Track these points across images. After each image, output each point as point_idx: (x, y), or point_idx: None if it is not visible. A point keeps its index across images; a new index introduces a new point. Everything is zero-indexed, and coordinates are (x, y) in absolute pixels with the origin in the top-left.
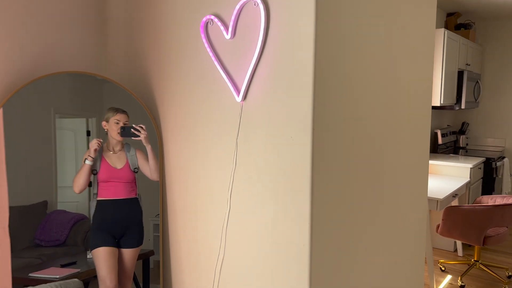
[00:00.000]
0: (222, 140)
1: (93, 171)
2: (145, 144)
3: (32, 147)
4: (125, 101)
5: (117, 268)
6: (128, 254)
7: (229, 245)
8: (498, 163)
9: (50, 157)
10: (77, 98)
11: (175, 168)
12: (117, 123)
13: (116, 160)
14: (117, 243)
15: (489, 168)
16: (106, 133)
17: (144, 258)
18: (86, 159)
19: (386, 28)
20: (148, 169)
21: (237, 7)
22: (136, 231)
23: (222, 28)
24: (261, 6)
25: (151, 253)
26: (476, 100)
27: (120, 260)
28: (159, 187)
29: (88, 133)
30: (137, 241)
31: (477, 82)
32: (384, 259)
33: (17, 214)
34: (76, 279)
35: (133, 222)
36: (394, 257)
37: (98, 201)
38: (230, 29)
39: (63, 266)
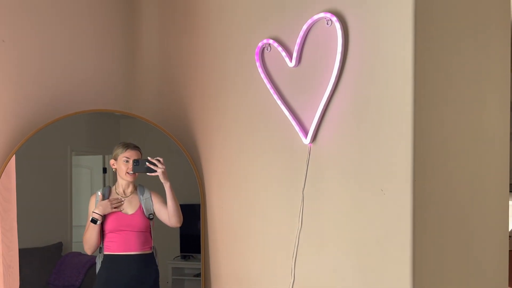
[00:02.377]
0: (284, 192)
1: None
2: (162, 181)
3: (48, 186)
4: (152, 140)
5: None
6: None
7: None
8: None
9: (65, 195)
10: (94, 135)
11: (221, 226)
12: (127, 162)
13: (127, 204)
14: None
15: None
16: (115, 173)
17: None
18: (93, 217)
19: (477, 62)
20: (166, 213)
21: (304, 27)
22: None
23: (283, 54)
24: (337, 25)
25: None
26: None
27: None
28: (201, 250)
29: (105, 170)
30: None
31: None
32: None
33: (31, 256)
34: None
35: (147, 284)
36: None
37: (105, 255)
38: (294, 55)
39: None
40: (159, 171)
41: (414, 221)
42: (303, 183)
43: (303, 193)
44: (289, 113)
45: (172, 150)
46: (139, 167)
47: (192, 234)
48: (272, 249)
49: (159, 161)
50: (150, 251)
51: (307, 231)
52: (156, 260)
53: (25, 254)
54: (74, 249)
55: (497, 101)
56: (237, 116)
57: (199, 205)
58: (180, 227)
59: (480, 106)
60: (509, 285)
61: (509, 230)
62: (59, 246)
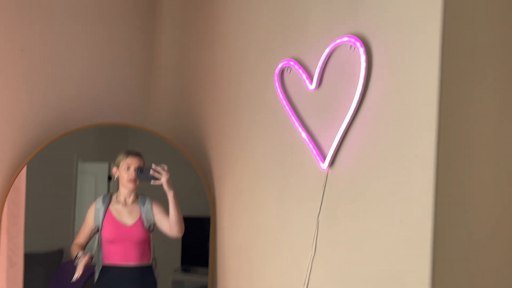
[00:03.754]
0: (298, 217)
1: (95, 227)
2: (166, 190)
3: (54, 194)
4: (162, 154)
5: None
6: None
7: None
8: None
9: (69, 202)
10: (102, 144)
11: (231, 249)
12: (128, 169)
13: (126, 214)
14: None
15: None
16: (117, 182)
17: None
18: (77, 258)
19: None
20: (168, 224)
21: (326, 50)
22: None
23: (304, 76)
24: (361, 50)
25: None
26: None
27: None
28: (209, 272)
29: (110, 178)
30: None
31: None
32: None
33: (31, 262)
34: None
35: None
36: None
37: (103, 266)
38: (315, 77)
39: None
40: (163, 179)
41: (434, 257)
42: (318, 209)
43: (318, 219)
44: (307, 136)
45: (182, 163)
46: (143, 174)
47: (195, 247)
48: (283, 276)
49: (163, 169)
50: (149, 263)
51: (320, 259)
52: (155, 273)
53: (26, 258)
54: None
55: None
56: (252, 136)
57: (204, 219)
58: (183, 239)
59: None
60: None
61: None
62: (60, 253)
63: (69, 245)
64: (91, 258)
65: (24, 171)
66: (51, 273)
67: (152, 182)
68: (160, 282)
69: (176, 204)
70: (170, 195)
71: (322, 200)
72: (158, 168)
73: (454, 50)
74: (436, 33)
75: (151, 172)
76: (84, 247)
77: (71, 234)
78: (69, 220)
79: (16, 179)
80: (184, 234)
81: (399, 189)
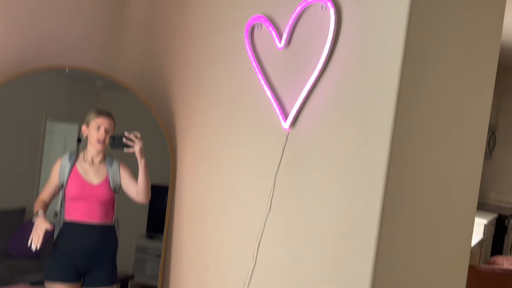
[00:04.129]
0: (256, 174)
1: (59, 184)
2: (138, 158)
3: (18, 147)
4: (130, 111)
5: None
6: None
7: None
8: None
9: (35, 160)
10: (71, 101)
11: (188, 203)
12: (98, 129)
13: (93, 174)
14: (81, 278)
15: (501, 226)
16: (86, 140)
17: (122, 282)
18: (34, 215)
19: (463, 54)
20: (134, 189)
21: (298, 9)
22: (107, 267)
23: (274, 34)
24: (331, 11)
25: (130, 277)
26: (490, 152)
27: None
28: (165, 226)
29: (79, 140)
30: (108, 278)
31: (493, 133)
32: None
33: None
34: None
35: (105, 255)
36: None
37: (65, 222)
38: (284, 36)
39: (32, 284)
40: (137, 148)
41: (382, 217)
42: (277, 167)
43: (275, 178)
44: (272, 95)
45: (150, 125)
46: (116, 142)
47: (160, 214)
48: (237, 231)
49: (136, 137)
50: (111, 223)
51: (274, 217)
52: (117, 233)
53: None
54: None
55: (478, 114)
56: (219, 93)
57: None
58: (149, 207)
59: (460, 114)
60: None
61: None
62: (22, 211)
63: (32, 204)
64: (52, 228)
65: None
66: (12, 231)
67: (125, 150)
68: (125, 247)
69: (146, 173)
70: (141, 163)
71: (281, 159)
72: (131, 136)
73: (420, 19)
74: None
75: (124, 140)
76: (47, 204)
77: (35, 193)
78: (33, 179)
79: None
80: (150, 201)
81: (356, 152)
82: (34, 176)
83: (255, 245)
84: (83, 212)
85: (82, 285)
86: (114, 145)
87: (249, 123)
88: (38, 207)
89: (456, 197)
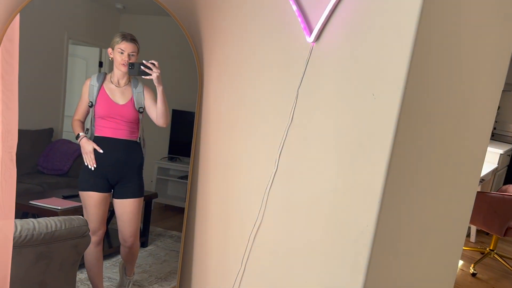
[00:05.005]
0: (279, 88)
1: (89, 103)
2: (156, 85)
3: (42, 69)
4: (152, 32)
5: (106, 215)
6: (128, 206)
7: (269, 212)
8: None
9: (59, 83)
10: (92, 25)
11: (214, 115)
12: (122, 53)
13: (119, 95)
14: (111, 189)
15: None
16: (112, 62)
17: (146, 201)
18: (76, 137)
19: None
20: (155, 111)
21: None
22: (134, 181)
23: None
24: None
25: (154, 195)
26: None
27: (121, 216)
28: (193, 136)
29: (101, 64)
30: (136, 191)
31: None
32: (434, 239)
33: (22, 138)
34: (80, 216)
35: (132, 168)
36: (441, 238)
37: (95, 137)
38: None
39: (65, 197)
40: (154, 75)
41: (397, 127)
42: (300, 80)
43: (298, 91)
44: (296, 7)
45: (179, 48)
46: (134, 70)
47: (182, 138)
48: (262, 140)
49: (154, 64)
50: (137, 140)
51: (295, 127)
52: (143, 149)
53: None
54: (65, 137)
55: (500, 44)
56: (243, 9)
57: (193, 113)
58: (171, 131)
59: (484, 38)
60: (471, 222)
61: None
62: (50, 131)
63: (58, 125)
64: (93, 144)
65: (17, 20)
66: (41, 150)
67: (143, 77)
68: (147, 168)
69: (164, 98)
70: (159, 90)
71: (304, 73)
72: (149, 64)
73: None
74: None
75: (142, 67)
76: (83, 122)
77: (61, 114)
78: (59, 101)
79: (9, 28)
80: (172, 126)
81: (376, 65)
82: (60, 98)
83: (277, 153)
84: (111, 129)
85: (112, 197)
86: (132, 72)
87: (273, 36)
88: (76, 128)
89: (471, 126)
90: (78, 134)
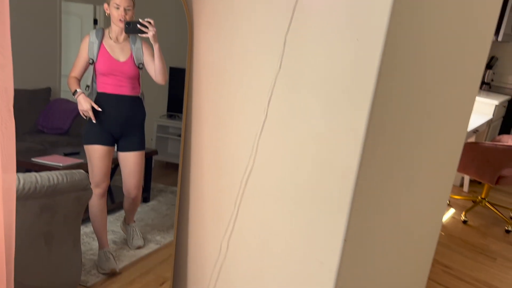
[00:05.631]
0: (266, 36)
1: (89, 60)
2: (152, 42)
3: (35, 28)
4: None
5: (110, 168)
6: (132, 158)
7: (259, 158)
8: None
9: (54, 42)
10: None
11: (205, 69)
12: (117, 8)
13: (119, 51)
14: (115, 143)
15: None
16: (109, 18)
17: (146, 158)
18: (73, 93)
19: None
20: (153, 68)
21: None
22: (137, 134)
23: None
24: None
25: (154, 152)
26: None
27: (125, 168)
28: (185, 90)
29: (95, 22)
30: (138, 144)
31: None
32: (420, 184)
33: (20, 97)
34: (81, 170)
35: (135, 123)
36: (427, 190)
37: (98, 93)
38: None
39: (66, 155)
40: (150, 34)
41: (380, 72)
42: (287, 28)
43: (285, 37)
44: None
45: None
46: (130, 28)
47: (180, 96)
48: (251, 88)
49: (150, 23)
50: (138, 95)
51: (284, 75)
52: (144, 104)
53: (14, 95)
54: (63, 96)
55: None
56: None
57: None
58: (169, 89)
59: None
60: (463, 172)
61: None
62: (47, 91)
63: (56, 84)
64: (90, 101)
65: None
66: (40, 109)
67: (140, 35)
68: (147, 125)
69: (161, 56)
70: (155, 48)
71: (291, 21)
72: (145, 22)
73: None
74: None
75: (138, 26)
76: (79, 80)
77: (58, 73)
78: (55, 60)
79: None
80: (170, 84)
81: (360, 9)
82: (56, 57)
83: (266, 101)
84: (113, 85)
85: (117, 150)
86: (129, 31)
87: None
88: (73, 85)
89: (459, 74)
90: (76, 90)
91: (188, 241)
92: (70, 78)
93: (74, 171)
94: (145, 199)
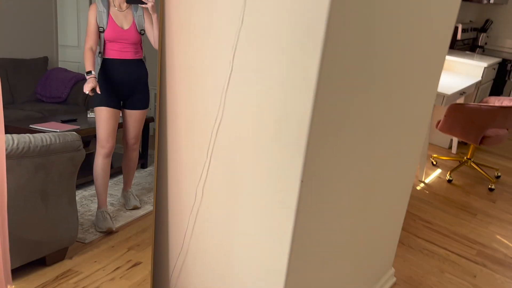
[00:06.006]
0: None
1: (99, 28)
2: (151, 13)
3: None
4: None
5: (116, 130)
6: (136, 115)
7: (228, 109)
8: None
9: (50, 12)
10: None
11: (177, 26)
12: None
13: (122, 19)
14: (122, 105)
15: (503, 70)
16: None
17: (144, 125)
18: (90, 73)
19: None
20: (153, 35)
21: None
22: (142, 93)
23: None
24: None
25: (151, 120)
26: None
27: (127, 122)
28: (158, 47)
29: None
30: (144, 102)
31: None
32: (390, 142)
33: (17, 67)
34: (74, 132)
35: (139, 83)
36: (398, 145)
37: (104, 59)
38: None
39: (63, 122)
40: (149, 4)
41: (329, 18)
42: None
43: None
44: None
45: None
46: None
47: None
48: (219, 41)
49: None
50: (141, 58)
51: (246, 29)
52: (146, 65)
53: (12, 64)
54: (60, 66)
55: None
56: None
57: None
58: None
59: None
60: (449, 133)
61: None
62: (45, 60)
63: (53, 54)
64: (96, 84)
65: None
66: (38, 79)
67: (140, 5)
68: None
69: (159, 25)
70: (154, 17)
71: None
72: None
73: None
74: None
75: None
76: (95, 50)
77: (54, 43)
78: (51, 30)
79: None
80: None
81: None
82: (52, 26)
83: (231, 54)
84: (118, 51)
85: (123, 107)
86: (130, 1)
87: None
88: (88, 63)
89: (430, 36)
90: (90, 71)
91: (168, 189)
92: (86, 52)
93: (66, 132)
94: (143, 165)
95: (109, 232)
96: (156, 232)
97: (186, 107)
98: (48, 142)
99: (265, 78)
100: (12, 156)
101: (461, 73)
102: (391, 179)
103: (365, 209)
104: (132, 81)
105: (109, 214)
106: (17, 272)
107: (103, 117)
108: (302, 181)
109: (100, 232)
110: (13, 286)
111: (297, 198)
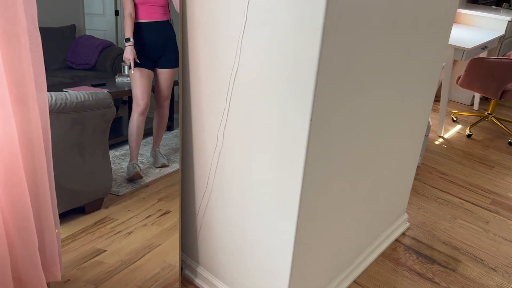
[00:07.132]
0: None
1: None
2: None
3: None
4: None
5: (150, 90)
6: (166, 74)
7: (243, 57)
8: None
9: None
10: None
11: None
12: None
13: None
14: (154, 65)
15: None
16: None
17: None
18: (128, 40)
19: None
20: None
21: None
22: (172, 53)
23: None
24: None
25: (175, 83)
26: None
27: (158, 80)
28: (179, 15)
29: None
30: (174, 61)
31: None
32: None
33: (47, 35)
34: (105, 91)
35: (169, 43)
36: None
37: (136, 23)
38: None
39: (93, 86)
40: None
41: None
42: None
43: None
44: None
45: None
46: None
47: None
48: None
49: None
50: (168, 20)
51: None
52: (173, 27)
53: (42, 33)
54: (87, 33)
55: None
56: None
57: None
58: None
59: None
60: (469, 88)
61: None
62: (72, 28)
63: (80, 22)
64: (135, 56)
65: None
66: (68, 45)
67: None
68: None
69: None
70: None
71: None
72: None
73: None
74: None
75: None
76: (133, 15)
77: (82, 11)
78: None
79: None
80: None
81: None
82: None
83: (245, 3)
84: (147, 13)
85: (155, 67)
86: None
87: None
88: (128, 30)
89: None
90: (129, 38)
91: (192, 135)
92: (126, 18)
93: (98, 91)
94: (169, 127)
95: (138, 178)
96: (183, 182)
97: (205, 61)
98: (82, 99)
99: (276, 26)
100: (51, 112)
101: (484, 28)
102: (401, 126)
103: (376, 152)
104: (162, 42)
105: (138, 165)
106: (60, 218)
107: (137, 77)
108: (311, 120)
109: (130, 179)
110: (58, 230)
111: (307, 136)
